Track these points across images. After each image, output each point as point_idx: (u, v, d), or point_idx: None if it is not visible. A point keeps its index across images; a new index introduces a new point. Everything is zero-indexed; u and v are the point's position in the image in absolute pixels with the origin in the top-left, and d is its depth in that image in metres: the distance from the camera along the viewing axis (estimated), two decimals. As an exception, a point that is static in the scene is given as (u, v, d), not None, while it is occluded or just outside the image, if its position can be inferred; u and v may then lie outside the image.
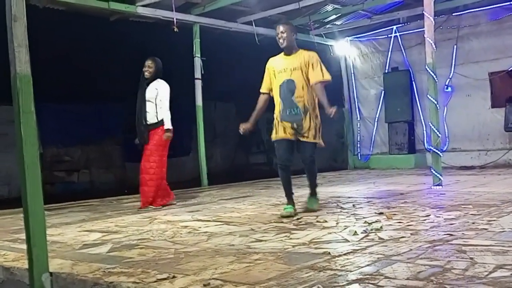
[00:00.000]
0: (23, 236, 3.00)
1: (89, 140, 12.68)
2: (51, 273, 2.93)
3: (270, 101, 5.14)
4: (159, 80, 6.11)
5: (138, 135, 6.09)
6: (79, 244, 3.93)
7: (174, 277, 2.68)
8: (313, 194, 5.24)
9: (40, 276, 2.87)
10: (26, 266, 2.93)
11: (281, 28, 4.97)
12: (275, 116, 5.04)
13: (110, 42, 10.88)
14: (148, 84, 6.08)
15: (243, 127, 5.07)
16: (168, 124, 6.01)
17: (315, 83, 4.88)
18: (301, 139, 4.92)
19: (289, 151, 4.97)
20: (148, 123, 6.03)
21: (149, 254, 3.41)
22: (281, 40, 4.96)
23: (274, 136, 5.02)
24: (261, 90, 5.17)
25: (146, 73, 6.07)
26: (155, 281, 2.62)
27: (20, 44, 2.86)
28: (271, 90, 5.09)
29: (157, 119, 6.03)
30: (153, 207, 5.96)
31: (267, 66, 5.15)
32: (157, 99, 6.02)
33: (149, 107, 6.04)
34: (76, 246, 3.84)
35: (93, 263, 3.16)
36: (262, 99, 5.16)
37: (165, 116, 6.01)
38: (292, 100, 4.90)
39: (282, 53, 5.07)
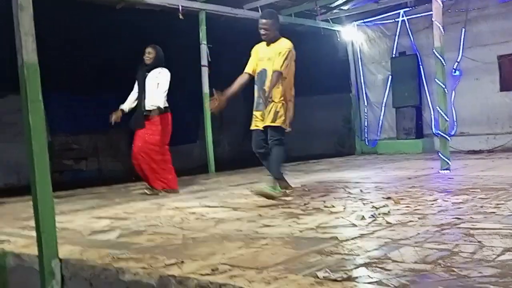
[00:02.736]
0: (32, 223, 3.02)
1: (97, 129, 12.72)
2: (60, 259, 2.96)
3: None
4: (162, 68, 6.12)
5: (133, 120, 6.14)
6: (88, 230, 3.96)
7: (182, 262, 2.70)
8: (274, 179, 5.08)
9: (49, 262, 2.90)
10: (36, 252, 2.96)
11: (263, 21, 5.09)
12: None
13: (117, 30, 10.86)
14: (148, 71, 6.10)
15: (216, 103, 5.09)
16: (161, 103, 6.00)
17: (273, 70, 4.98)
18: (263, 125, 5.08)
19: (259, 140, 5.17)
20: (147, 108, 6.06)
21: (157, 240, 3.43)
22: (263, 34, 5.09)
23: (251, 126, 5.23)
24: (245, 71, 5.29)
25: (146, 60, 6.11)
26: (163, 266, 2.64)
27: (27, 33, 2.86)
28: (251, 74, 5.24)
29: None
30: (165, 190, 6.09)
31: (252, 51, 5.30)
32: (156, 86, 6.04)
33: (149, 94, 6.06)
34: (85, 233, 3.87)
35: (102, 249, 3.18)
36: (242, 76, 5.28)
37: (161, 98, 6.00)
38: (264, 89, 5.02)
39: (264, 42, 5.21)
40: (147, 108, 6.08)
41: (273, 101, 5.00)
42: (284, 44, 5.09)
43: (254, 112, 5.22)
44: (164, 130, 6.09)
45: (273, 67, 5.00)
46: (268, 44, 5.17)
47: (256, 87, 5.21)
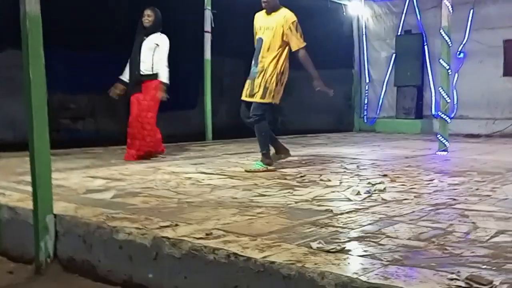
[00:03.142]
0: (28, 178, 3.01)
1: (95, 89, 12.58)
2: (55, 215, 2.96)
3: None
4: (160, 33, 6.00)
5: (129, 85, 6.04)
6: (83, 189, 3.96)
7: (177, 225, 2.70)
8: (262, 156, 5.09)
9: (44, 217, 2.90)
10: (31, 206, 2.96)
11: None
12: None
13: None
14: (147, 35, 5.98)
15: None
16: (165, 79, 5.92)
17: (296, 50, 4.92)
18: (250, 99, 5.01)
19: (245, 110, 5.12)
20: (142, 73, 5.95)
21: (152, 202, 3.44)
22: (264, 1, 5.01)
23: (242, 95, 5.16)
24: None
25: (145, 22, 5.96)
26: (158, 228, 2.64)
27: (30, -16, 2.80)
28: None
29: (153, 71, 5.95)
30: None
31: (254, 23, 5.20)
32: (156, 52, 5.92)
33: (145, 57, 5.94)
34: (80, 191, 3.87)
35: (97, 207, 3.19)
36: None
37: (164, 71, 5.92)
38: (258, 59, 5.00)
39: (264, 10, 5.11)
40: (141, 73, 5.96)
41: (264, 74, 4.94)
42: (288, 16, 4.95)
43: (247, 80, 5.11)
44: (157, 96, 6.01)
45: (295, 45, 4.90)
46: (268, 13, 5.06)
47: (253, 57, 5.10)
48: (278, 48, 4.95)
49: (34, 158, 2.84)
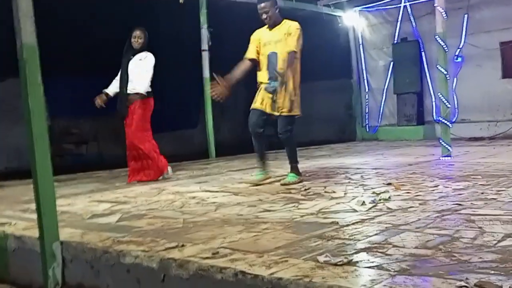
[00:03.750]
0: (33, 206, 3.02)
1: (97, 113, 12.65)
2: (61, 242, 2.96)
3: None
4: (147, 52, 6.04)
5: (118, 104, 6.08)
6: (89, 214, 3.97)
7: (183, 245, 2.70)
8: (292, 169, 5.21)
9: (50, 245, 2.90)
10: (37, 235, 2.96)
11: (262, 5, 5.03)
12: (258, 85, 5.17)
13: (118, 14, 10.77)
14: (134, 54, 6.01)
15: (218, 88, 4.98)
16: (142, 89, 5.90)
17: (287, 52, 4.94)
18: (277, 113, 5.02)
19: (260, 120, 5.09)
20: (129, 92, 5.98)
21: (158, 223, 3.44)
22: (266, 19, 5.05)
23: (252, 105, 5.15)
24: (245, 56, 5.23)
25: (135, 44, 5.99)
26: (164, 250, 2.64)
27: (25, 15, 2.83)
28: (255, 59, 5.16)
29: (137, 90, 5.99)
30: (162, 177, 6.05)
31: (252, 38, 5.23)
32: (141, 70, 5.94)
33: (133, 76, 5.98)
34: (85, 216, 3.88)
35: (102, 232, 3.19)
36: (244, 62, 5.21)
37: (144, 85, 5.91)
38: (273, 72, 4.99)
39: (266, 26, 5.14)
40: (128, 92, 5.99)
41: (287, 88, 4.94)
42: (293, 24, 5.03)
43: (264, 93, 5.08)
44: (144, 115, 6.00)
45: (286, 48, 4.93)
46: (271, 29, 5.09)
47: (266, 70, 5.09)
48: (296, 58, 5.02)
49: (37, 186, 2.85)
